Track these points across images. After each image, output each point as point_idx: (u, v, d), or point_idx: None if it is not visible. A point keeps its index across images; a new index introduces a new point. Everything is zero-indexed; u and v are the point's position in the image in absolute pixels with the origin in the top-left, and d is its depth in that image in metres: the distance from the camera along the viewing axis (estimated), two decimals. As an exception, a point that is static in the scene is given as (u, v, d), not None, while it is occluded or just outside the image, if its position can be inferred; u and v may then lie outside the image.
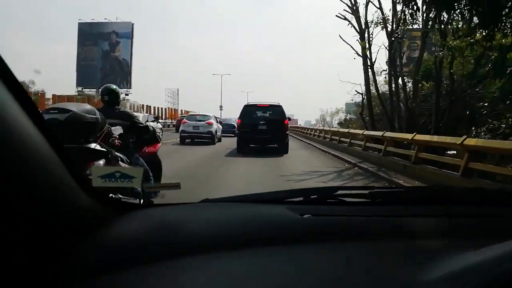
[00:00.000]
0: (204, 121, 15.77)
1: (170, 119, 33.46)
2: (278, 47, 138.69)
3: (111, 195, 0.90)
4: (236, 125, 23.05)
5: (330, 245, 0.69)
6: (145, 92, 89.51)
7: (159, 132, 18.81)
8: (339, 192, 0.93)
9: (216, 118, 18.13)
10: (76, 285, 0.57)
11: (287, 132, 12.55)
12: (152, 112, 29.67)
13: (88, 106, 2.12)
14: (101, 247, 0.65)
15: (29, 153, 0.53)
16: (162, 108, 34.80)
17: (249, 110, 12.53)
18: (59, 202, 0.61)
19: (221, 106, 50.78)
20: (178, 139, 15.60)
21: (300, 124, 47.06)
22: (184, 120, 16.39)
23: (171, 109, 40.50)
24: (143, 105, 29.27)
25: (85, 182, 0.69)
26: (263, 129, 11.99)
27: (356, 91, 15.71)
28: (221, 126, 18.09)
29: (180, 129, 15.92)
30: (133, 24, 43.94)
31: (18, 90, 0.53)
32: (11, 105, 0.52)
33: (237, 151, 11.85)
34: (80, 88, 43.61)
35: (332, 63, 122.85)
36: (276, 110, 12.44)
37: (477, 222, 0.78)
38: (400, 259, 0.64)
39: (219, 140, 17.16)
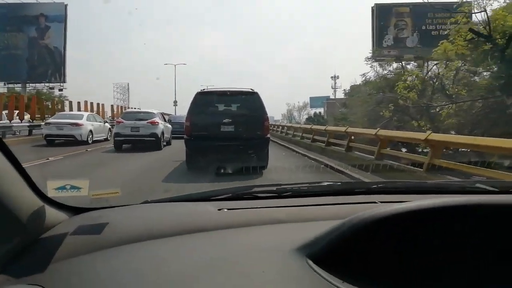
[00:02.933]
0: (146, 120, 13.30)
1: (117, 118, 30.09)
2: (241, 40, 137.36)
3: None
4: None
5: (235, 230, 0.92)
6: (88, 87, 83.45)
7: (106, 135, 16.13)
8: (254, 189, 1.30)
9: (163, 115, 15.66)
10: (40, 269, 0.75)
11: (268, 136, 8.26)
12: (92, 110, 26.50)
13: None
14: (57, 239, 0.87)
15: None
16: (108, 106, 31.28)
17: (204, 101, 8.13)
18: (23, 209, 0.81)
19: (175, 101, 47.88)
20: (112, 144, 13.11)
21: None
22: (119, 119, 13.84)
23: (120, 107, 37.03)
24: (78, 103, 25.84)
25: (41, 193, 0.93)
26: (228, 132, 7.72)
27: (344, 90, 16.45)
28: (170, 126, 15.67)
29: (114, 132, 13.40)
30: (66, 5, 38.65)
31: None
32: None
33: (187, 168, 7.95)
34: (2, 83, 38.53)
35: (299, 56, 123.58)
36: (250, 101, 8.07)
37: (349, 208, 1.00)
38: (289, 237, 0.81)
39: (168, 143, 14.82)
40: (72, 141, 13.97)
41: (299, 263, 0.70)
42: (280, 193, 1.27)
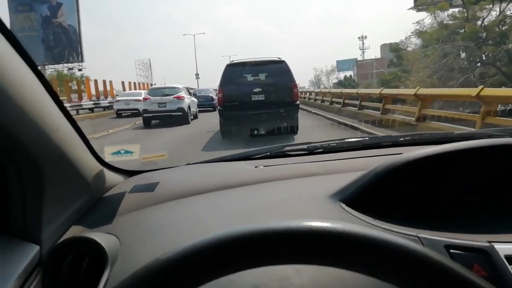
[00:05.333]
0: (172, 95, 13.89)
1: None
2: (260, 8, 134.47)
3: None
4: (214, 97, 21.33)
5: (271, 183, 1.06)
6: (109, 65, 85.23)
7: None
8: (286, 148, 1.43)
9: (188, 89, 16.24)
10: (108, 221, 0.92)
11: (297, 102, 9.04)
12: (97, 89, 27.43)
13: None
14: (118, 197, 1.05)
15: (52, 131, 0.78)
16: (132, 83, 32.02)
17: (234, 72, 8.94)
18: (87, 173, 0.96)
19: (197, 74, 48.58)
20: (141, 121, 13.87)
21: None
22: (146, 96, 14.52)
23: (143, 84, 37.89)
24: (96, 80, 26.72)
25: (100, 158, 1.10)
26: (259, 101, 8.56)
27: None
28: (196, 100, 16.26)
29: (142, 109, 14.11)
30: None
31: (41, 77, 0.78)
32: (39, 92, 0.77)
33: (222, 136, 8.94)
34: (20, 67, 40.14)
35: (320, 19, 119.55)
36: (278, 70, 8.82)
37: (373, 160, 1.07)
38: (322, 186, 0.91)
39: (195, 117, 15.47)
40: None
41: (334, 206, 0.80)
42: (311, 151, 1.38)
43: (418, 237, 0.68)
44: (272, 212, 0.85)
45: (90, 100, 22.79)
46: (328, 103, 16.70)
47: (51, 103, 0.81)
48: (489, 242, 0.65)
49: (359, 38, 63.89)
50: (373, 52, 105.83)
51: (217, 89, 9.40)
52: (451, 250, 0.64)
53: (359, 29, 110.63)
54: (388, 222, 0.73)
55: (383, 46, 62.32)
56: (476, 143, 0.81)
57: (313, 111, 16.45)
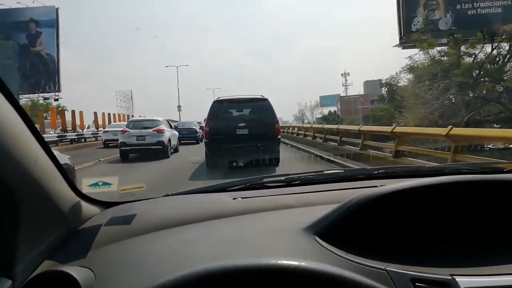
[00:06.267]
0: (152, 128, 13.52)
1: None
2: (245, 45, 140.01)
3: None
4: (198, 130, 21.70)
5: (249, 216, 1.07)
6: (88, 96, 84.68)
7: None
8: (265, 180, 1.46)
9: (169, 122, 15.93)
10: (82, 254, 0.91)
11: (279, 136, 10.02)
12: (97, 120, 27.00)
13: None
14: (94, 230, 1.03)
15: (30, 163, 0.79)
16: (107, 114, 31.15)
17: (221, 108, 9.95)
18: (63, 204, 0.97)
19: (179, 106, 48.43)
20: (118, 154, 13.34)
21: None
22: (125, 128, 14.09)
23: (124, 115, 37.23)
24: (81, 112, 26.04)
25: (77, 189, 1.11)
26: (243, 135, 9.42)
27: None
28: (176, 133, 15.88)
29: (119, 141, 13.63)
30: (57, 8, 39.51)
31: (18, 108, 0.79)
32: (17, 123, 0.79)
33: (207, 167, 9.63)
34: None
35: (307, 56, 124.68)
36: (261, 107, 9.85)
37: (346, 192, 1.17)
38: (297, 219, 0.94)
39: (176, 151, 15.03)
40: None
41: (308, 240, 0.83)
42: (288, 182, 1.43)
43: (387, 270, 0.72)
44: (248, 246, 0.87)
45: (55, 133, 21.75)
46: (311, 138, 17.11)
47: (28, 134, 0.83)
48: (451, 275, 0.71)
49: (342, 74, 65.79)
50: (356, 89, 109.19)
51: (204, 123, 10.23)
52: (417, 283, 0.70)
53: (342, 66, 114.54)
54: (359, 255, 0.78)
55: (366, 83, 64.37)
56: (446, 179, 0.90)
57: (295, 145, 16.88)
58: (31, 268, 0.82)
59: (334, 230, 0.84)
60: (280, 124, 12.28)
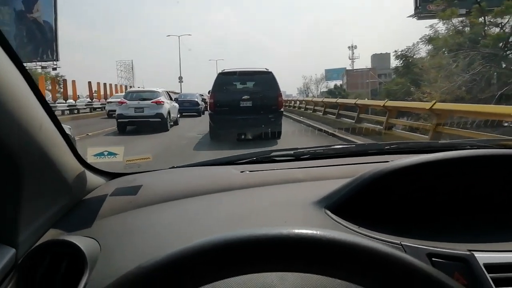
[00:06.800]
0: (150, 99, 13.14)
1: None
2: (250, 16, 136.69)
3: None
4: (200, 102, 21.53)
5: (257, 189, 1.06)
6: (88, 66, 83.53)
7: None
8: (272, 153, 1.44)
9: (168, 93, 15.50)
10: (87, 224, 0.90)
11: (281, 110, 10.30)
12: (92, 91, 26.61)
13: None
14: (99, 200, 1.02)
15: (35, 128, 0.77)
16: (111, 85, 30.52)
17: (225, 80, 10.21)
18: (68, 174, 0.94)
19: (180, 77, 47.87)
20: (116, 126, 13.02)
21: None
22: (122, 99, 13.69)
23: (125, 86, 36.69)
24: (73, 81, 25.76)
25: (82, 159, 1.08)
26: (247, 107, 9.68)
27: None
28: (177, 105, 15.50)
29: (116, 113, 13.28)
30: None
31: (23, 70, 0.77)
32: (27, 94, 0.77)
33: (210, 138, 9.93)
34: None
35: (313, 29, 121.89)
36: (265, 80, 10.08)
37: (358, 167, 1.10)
38: (307, 193, 0.92)
39: (176, 123, 14.70)
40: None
41: (318, 213, 0.82)
42: (297, 156, 1.40)
43: (402, 245, 0.71)
44: (258, 218, 0.86)
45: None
46: (321, 113, 16.32)
47: (34, 100, 0.81)
48: (469, 250, 0.68)
49: (349, 47, 64.35)
50: (363, 62, 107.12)
51: (209, 94, 10.50)
52: (433, 258, 0.67)
53: (349, 40, 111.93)
54: (372, 229, 0.76)
55: (373, 56, 63.02)
56: (461, 154, 0.87)
57: (296, 118, 17.06)
58: (35, 237, 0.82)
59: (345, 204, 0.83)
60: (284, 98, 12.61)
